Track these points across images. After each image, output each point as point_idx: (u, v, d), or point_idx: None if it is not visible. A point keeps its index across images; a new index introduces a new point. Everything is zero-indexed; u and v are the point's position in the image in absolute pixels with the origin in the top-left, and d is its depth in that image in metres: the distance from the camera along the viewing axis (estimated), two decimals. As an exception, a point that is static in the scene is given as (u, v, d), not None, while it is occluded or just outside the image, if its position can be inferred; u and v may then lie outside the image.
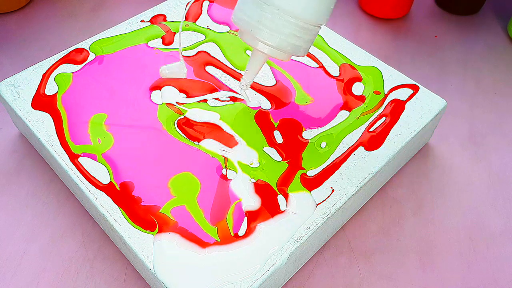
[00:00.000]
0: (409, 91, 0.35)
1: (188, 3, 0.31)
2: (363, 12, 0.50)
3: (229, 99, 0.34)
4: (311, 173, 0.30)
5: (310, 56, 0.38)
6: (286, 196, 0.29)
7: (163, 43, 0.38)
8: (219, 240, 0.27)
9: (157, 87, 0.35)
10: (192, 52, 0.37)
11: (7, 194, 0.34)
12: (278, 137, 0.32)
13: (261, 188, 0.29)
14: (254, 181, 0.30)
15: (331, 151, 0.32)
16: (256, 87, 0.35)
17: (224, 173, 0.30)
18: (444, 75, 0.44)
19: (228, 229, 0.28)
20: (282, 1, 0.25)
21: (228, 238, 0.27)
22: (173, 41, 0.38)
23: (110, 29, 0.39)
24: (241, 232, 0.28)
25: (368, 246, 0.32)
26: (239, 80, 0.36)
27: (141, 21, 0.39)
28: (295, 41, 0.27)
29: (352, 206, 0.31)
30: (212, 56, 0.37)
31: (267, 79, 0.36)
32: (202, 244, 0.27)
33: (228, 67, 0.36)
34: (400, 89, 0.35)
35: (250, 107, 0.33)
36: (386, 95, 0.35)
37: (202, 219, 0.28)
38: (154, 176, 0.30)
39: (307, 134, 0.32)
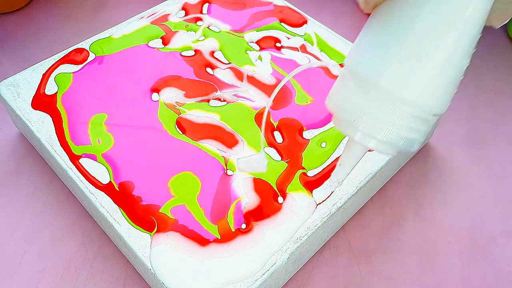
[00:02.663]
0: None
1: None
2: (363, 12, 0.50)
3: (232, 97, 0.34)
4: (311, 173, 0.30)
5: (310, 55, 0.38)
6: (286, 196, 0.29)
7: (163, 43, 0.38)
8: (219, 238, 0.27)
9: (156, 89, 0.35)
10: (191, 52, 0.37)
11: (7, 194, 0.34)
12: (278, 137, 0.32)
13: (261, 187, 0.29)
14: (254, 176, 0.30)
15: (331, 151, 0.32)
16: (257, 85, 0.35)
17: (225, 172, 0.30)
18: (444, 75, 0.44)
19: (229, 227, 0.28)
20: (394, 84, 0.19)
21: (228, 235, 0.27)
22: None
23: (110, 29, 0.39)
24: (242, 231, 0.28)
25: (368, 246, 0.32)
26: (239, 78, 0.36)
27: (139, 19, 0.39)
28: (409, 134, 0.20)
29: (352, 206, 0.31)
30: (213, 57, 0.37)
31: (267, 79, 0.36)
32: (202, 242, 0.27)
33: (225, 63, 0.36)
34: (400, 89, 0.35)
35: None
36: (386, 95, 0.35)
37: (203, 217, 0.28)
38: (155, 176, 0.30)
39: (307, 134, 0.32)
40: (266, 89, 0.35)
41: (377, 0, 0.19)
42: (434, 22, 0.18)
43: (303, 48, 0.38)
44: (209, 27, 0.39)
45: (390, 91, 0.19)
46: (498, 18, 0.20)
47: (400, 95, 0.19)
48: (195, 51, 0.37)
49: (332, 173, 0.23)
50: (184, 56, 0.37)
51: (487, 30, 0.52)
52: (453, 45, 0.18)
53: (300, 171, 0.30)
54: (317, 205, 0.29)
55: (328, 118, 0.33)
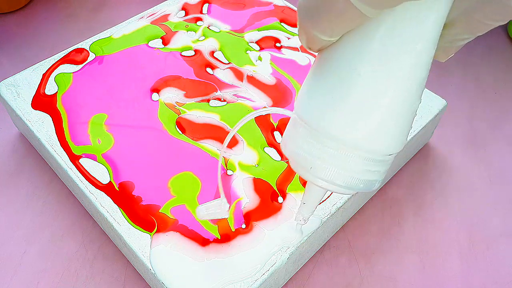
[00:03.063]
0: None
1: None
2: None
3: (232, 97, 0.34)
4: (311, 173, 0.30)
5: (310, 54, 0.38)
6: (286, 196, 0.29)
7: (163, 43, 0.38)
8: (219, 238, 0.27)
9: (156, 89, 0.35)
10: (191, 52, 0.37)
11: (7, 194, 0.34)
12: (278, 137, 0.32)
13: (261, 187, 0.29)
14: (254, 177, 0.30)
15: (331, 151, 0.31)
16: (257, 85, 0.35)
17: (225, 172, 0.30)
18: (444, 75, 0.44)
19: (229, 227, 0.28)
20: (346, 132, 0.18)
21: (228, 235, 0.27)
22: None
23: (110, 29, 0.39)
24: (242, 231, 0.28)
25: (368, 246, 0.32)
26: (239, 78, 0.36)
27: (139, 19, 0.39)
28: (369, 176, 0.20)
29: (352, 206, 0.31)
30: (213, 57, 0.37)
31: (267, 79, 0.36)
32: (202, 242, 0.27)
33: (224, 63, 0.36)
34: (400, 89, 0.35)
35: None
36: (386, 95, 0.35)
37: (202, 219, 0.28)
38: (155, 176, 0.30)
39: (307, 134, 0.32)
40: (266, 89, 0.35)
41: (321, 46, 0.18)
42: (381, 66, 0.17)
43: (303, 48, 0.38)
44: (209, 27, 0.39)
45: (341, 139, 0.19)
46: (443, 54, 0.20)
47: (352, 142, 0.19)
48: (195, 51, 0.37)
49: (297, 211, 0.24)
50: (184, 56, 0.37)
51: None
52: (402, 89, 0.18)
53: (300, 171, 0.30)
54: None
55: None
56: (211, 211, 0.25)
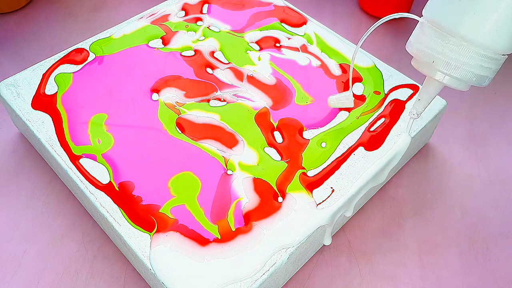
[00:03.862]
0: (409, 91, 0.35)
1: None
2: (363, 12, 0.50)
3: (232, 97, 0.34)
4: (311, 173, 0.30)
5: (310, 54, 0.38)
6: (286, 196, 0.29)
7: (163, 43, 0.38)
8: (219, 238, 0.27)
9: (156, 89, 0.35)
10: (191, 52, 0.37)
11: (7, 194, 0.34)
12: (278, 137, 0.32)
13: (261, 187, 0.29)
14: (254, 176, 0.30)
15: (331, 151, 0.32)
16: (257, 85, 0.35)
17: (225, 172, 0.30)
18: (444, 75, 0.44)
19: (229, 227, 0.28)
20: (469, 31, 0.23)
21: (228, 235, 0.27)
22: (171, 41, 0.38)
23: (110, 29, 0.39)
24: (242, 231, 0.28)
25: (368, 246, 0.32)
26: (238, 78, 0.36)
27: (139, 19, 0.39)
28: (481, 72, 0.24)
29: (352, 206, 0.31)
30: (213, 57, 0.37)
31: (267, 79, 0.36)
32: (202, 241, 0.27)
33: (224, 63, 0.36)
34: (400, 89, 0.35)
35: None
36: (386, 95, 0.35)
37: (203, 217, 0.28)
38: (155, 176, 0.30)
39: (307, 134, 0.32)
40: (266, 89, 0.35)
41: None
42: None
43: (303, 48, 0.38)
44: (209, 27, 0.39)
45: (465, 37, 0.23)
46: None
47: (474, 40, 0.23)
48: (195, 51, 0.37)
49: (412, 106, 0.28)
50: (184, 56, 0.37)
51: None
52: None
53: (300, 171, 0.30)
54: (317, 205, 0.29)
55: (328, 118, 0.33)
56: (341, 100, 0.31)
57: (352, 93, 0.31)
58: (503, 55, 0.24)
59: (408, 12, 0.50)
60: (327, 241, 0.31)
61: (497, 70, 0.25)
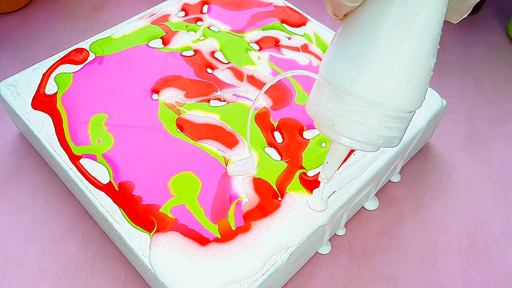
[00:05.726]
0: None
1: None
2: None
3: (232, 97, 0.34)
4: (311, 173, 0.30)
5: (311, 54, 0.38)
6: (286, 195, 0.29)
7: (163, 43, 0.38)
8: (219, 237, 0.27)
9: (156, 90, 0.35)
10: (191, 52, 0.37)
11: (7, 194, 0.34)
12: (278, 137, 0.32)
13: (261, 187, 0.29)
14: (254, 176, 0.30)
15: (331, 151, 0.32)
16: (257, 85, 0.35)
17: (225, 172, 0.30)
18: (444, 75, 0.44)
19: (229, 227, 0.28)
20: (367, 90, 0.20)
21: (229, 235, 0.27)
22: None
23: (110, 29, 0.39)
24: (242, 230, 0.28)
25: (368, 246, 0.32)
26: (238, 78, 0.36)
27: (139, 19, 0.39)
28: (388, 133, 0.22)
29: (353, 206, 0.31)
30: (213, 57, 0.37)
31: (267, 79, 0.36)
32: (202, 241, 0.27)
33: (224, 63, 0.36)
34: (400, 89, 0.35)
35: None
36: (386, 95, 0.35)
37: (203, 217, 0.28)
38: (155, 176, 0.30)
39: (307, 134, 0.32)
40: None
41: (345, 11, 0.20)
42: (398, 25, 0.19)
43: (304, 48, 0.38)
44: (209, 27, 0.39)
45: (364, 98, 0.20)
46: (455, 15, 0.21)
47: (373, 100, 0.20)
48: (195, 51, 0.37)
49: (321, 171, 0.26)
50: (184, 56, 0.37)
51: (487, 30, 0.52)
52: (416, 47, 0.20)
53: (300, 171, 0.30)
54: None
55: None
56: (241, 168, 0.28)
57: (253, 158, 0.27)
58: (408, 112, 0.21)
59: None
60: (325, 250, 0.32)
61: (406, 128, 0.22)
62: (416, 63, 0.20)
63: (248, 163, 0.29)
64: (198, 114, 0.33)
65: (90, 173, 0.30)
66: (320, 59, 0.37)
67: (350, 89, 0.21)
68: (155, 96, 0.34)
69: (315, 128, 0.33)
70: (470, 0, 0.20)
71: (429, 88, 0.35)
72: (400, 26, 0.19)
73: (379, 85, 0.20)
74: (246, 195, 0.29)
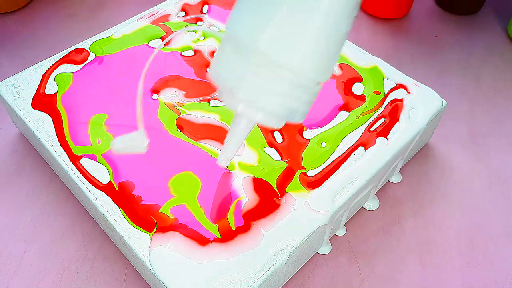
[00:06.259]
0: (409, 91, 0.35)
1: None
2: (363, 12, 0.50)
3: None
4: (311, 173, 0.30)
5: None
6: (286, 195, 0.29)
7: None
8: (219, 237, 0.27)
9: (156, 90, 0.35)
10: (191, 52, 0.37)
11: (7, 194, 0.34)
12: (278, 137, 0.32)
13: (261, 187, 0.29)
14: (254, 176, 0.30)
15: (331, 151, 0.32)
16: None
17: (226, 172, 0.30)
18: (444, 75, 0.44)
19: (229, 226, 0.28)
20: (274, 50, 0.18)
21: (229, 234, 0.27)
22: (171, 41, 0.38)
23: (110, 29, 0.39)
24: (242, 231, 0.28)
25: (368, 246, 0.32)
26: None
27: (138, 19, 0.39)
28: (290, 103, 0.19)
29: (353, 206, 0.31)
30: (213, 57, 0.37)
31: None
32: (202, 241, 0.27)
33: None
34: (400, 89, 0.35)
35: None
36: (386, 95, 0.35)
37: (203, 217, 0.28)
38: (155, 176, 0.30)
39: (307, 134, 0.32)
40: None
41: None
42: None
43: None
44: (209, 28, 0.39)
45: (268, 55, 0.18)
46: None
47: (278, 59, 0.18)
48: (195, 51, 0.37)
49: (221, 151, 0.23)
50: (184, 56, 0.37)
51: (487, 30, 0.52)
52: (327, 7, 0.18)
53: (300, 171, 0.30)
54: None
55: (328, 118, 0.33)
56: (128, 144, 0.24)
57: (142, 133, 0.23)
58: (315, 83, 0.19)
59: (408, 13, 0.51)
60: (325, 250, 0.31)
61: (311, 103, 0.20)
62: (327, 24, 0.18)
63: (135, 138, 0.24)
64: (198, 114, 0.33)
65: (90, 173, 0.30)
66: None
67: (253, 44, 0.18)
68: (155, 96, 0.34)
69: (315, 128, 0.33)
70: None
71: (429, 88, 0.36)
72: None
73: (284, 43, 0.18)
74: (246, 195, 0.29)
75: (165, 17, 0.40)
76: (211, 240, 0.27)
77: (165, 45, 0.35)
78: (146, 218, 0.28)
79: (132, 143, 0.24)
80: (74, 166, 0.30)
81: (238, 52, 0.19)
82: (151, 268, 0.26)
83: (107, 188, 0.29)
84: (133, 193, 0.29)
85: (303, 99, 0.20)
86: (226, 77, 0.19)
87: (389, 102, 0.35)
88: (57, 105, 0.33)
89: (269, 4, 0.18)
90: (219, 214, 0.28)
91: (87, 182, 0.30)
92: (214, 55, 0.21)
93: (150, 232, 0.27)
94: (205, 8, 0.41)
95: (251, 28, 0.18)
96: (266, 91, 0.19)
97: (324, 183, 0.30)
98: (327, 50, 0.19)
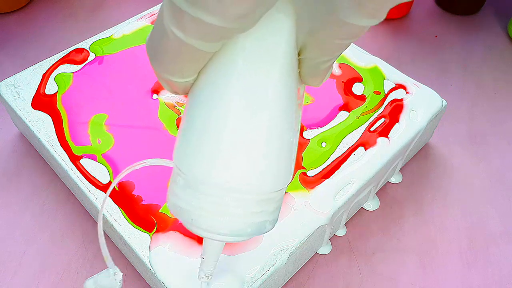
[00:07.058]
0: (409, 91, 0.35)
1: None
2: (363, 12, 0.50)
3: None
4: (311, 173, 0.30)
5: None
6: (286, 195, 0.29)
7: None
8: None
9: (156, 90, 0.35)
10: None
11: (7, 194, 0.34)
12: (278, 137, 0.32)
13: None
14: None
15: (331, 151, 0.32)
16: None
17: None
18: (444, 75, 0.44)
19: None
20: (222, 177, 0.17)
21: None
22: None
23: (110, 29, 0.39)
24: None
25: (368, 246, 0.32)
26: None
27: (138, 19, 0.39)
28: (256, 219, 0.19)
29: (352, 206, 0.31)
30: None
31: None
32: (202, 239, 0.27)
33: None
34: (400, 89, 0.35)
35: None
36: (386, 95, 0.35)
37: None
38: (155, 176, 0.30)
39: (307, 134, 0.32)
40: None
41: (182, 88, 0.18)
42: (240, 102, 0.17)
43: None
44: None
45: (218, 185, 0.17)
46: (313, 79, 0.18)
47: (229, 185, 0.17)
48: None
49: (199, 268, 0.22)
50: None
51: (487, 30, 0.52)
52: (266, 126, 0.17)
53: (300, 170, 0.30)
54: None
55: (328, 118, 0.33)
56: (102, 284, 0.22)
57: (114, 270, 0.22)
58: (274, 192, 0.19)
59: (408, 13, 0.51)
60: (325, 250, 0.31)
61: (279, 207, 0.19)
62: (270, 141, 0.17)
63: (107, 275, 0.22)
64: (198, 114, 0.33)
65: (90, 173, 0.30)
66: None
67: (202, 177, 0.17)
68: (155, 96, 0.34)
69: (315, 128, 0.33)
70: (322, 64, 0.17)
71: (429, 88, 0.36)
72: (242, 101, 0.17)
73: (231, 168, 0.17)
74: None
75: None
76: (211, 240, 0.27)
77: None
78: (146, 218, 0.28)
79: (105, 282, 0.22)
80: (74, 166, 0.30)
81: (189, 184, 0.18)
82: (151, 268, 0.26)
83: (107, 188, 0.29)
84: (133, 193, 0.29)
85: (268, 211, 0.19)
86: (183, 210, 0.18)
87: (389, 102, 0.35)
88: (57, 105, 0.33)
89: (203, 134, 0.17)
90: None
91: (87, 182, 0.30)
92: (169, 182, 0.20)
93: (150, 232, 0.27)
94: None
95: (197, 160, 0.18)
96: (225, 216, 0.18)
97: (324, 183, 0.30)
98: (278, 162, 0.18)
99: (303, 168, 0.31)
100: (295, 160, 0.19)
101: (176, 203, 0.19)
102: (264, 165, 0.18)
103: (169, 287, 0.25)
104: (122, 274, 0.22)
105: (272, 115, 0.17)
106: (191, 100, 0.18)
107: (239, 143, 0.17)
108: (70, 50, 0.37)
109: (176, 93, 0.18)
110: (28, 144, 0.37)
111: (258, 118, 0.17)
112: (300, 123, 0.19)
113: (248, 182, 0.17)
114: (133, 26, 0.39)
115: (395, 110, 0.34)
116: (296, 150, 0.19)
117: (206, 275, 0.22)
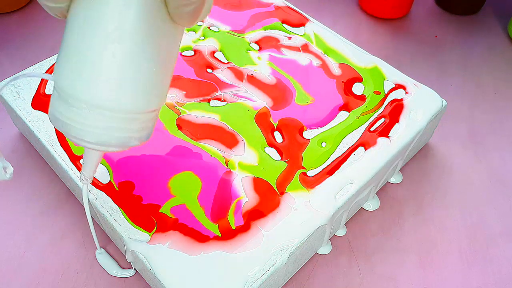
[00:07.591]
0: (409, 91, 0.35)
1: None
2: (363, 12, 0.50)
3: (232, 96, 0.34)
4: (311, 173, 0.30)
5: (311, 54, 0.38)
6: (285, 195, 0.29)
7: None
8: (220, 235, 0.27)
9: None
10: (191, 52, 0.37)
11: (7, 194, 0.34)
12: (278, 137, 0.32)
13: (261, 187, 0.29)
14: (254, 176, 0.30)
15: (331, 151, 0.32)
16: (257, 85, 0.35)
17: (226, 172, 0.30)
18: (444, 75, 0.44)
19: (229, 226, 0.28)
20: (86, 93, 0.20)
21: (229, 234, 0.27)
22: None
23: (110, 29, 0.39)
24: (242, 230, 0.28)
25: (368, 246, 0.32)
26: (239, 78, 0.36)
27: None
28: (120, 133, 0.21)
29: (352, 206, 0.31)
30: (214, 57, 0.37)
31: (267, 79, 0.36)
32: (202, 239, 0.27)
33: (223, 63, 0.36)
34: (400, 89, 0.35)
35: None
36: (386, 95, 0.35)
37: (203, 217, 0.28)
38: (155, 176, 0.30)
39: (307, 134, 0.32)
40: (266, 89, 0.35)
41: (56, 11, 0.20)
42: (99, 36, 0.19)
43: (304, 48, 0.38)
44: (210, 28, 0.39)
45: (83, 100, 0.20)
46: (180, 20, 0.20)
47: (92, 102, 0.20)
48: (195, 51, 0.37)
49: (81, 172, 0.25)
50: (184, 56, 0.37)
51: (487, 30, 0.52)
52: (121, 53, 0.19)
53: (300, 170, 0.30)
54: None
55: (328, 118, 0.33)
56: None
57: (3, 160, 0.24)
58: (140, 113, 0.21)
59: (408, 13, 0.51)
60: (325, 250, 0.32)
61: (150, 127, 0.22)
62: (125, 67, 0.19)
63: None
64: (198, 114, 0.33)
65: (90, 173, 0.30)
66: (320, 58, 0.37)
67: (70, 91, 0.20)
68: (155, 96, 0.34)
69: (315, 128, 0.33)
70: (184, 7, 0.19)
71: (429, 88, 0.36)
72: (101, 31, 0.19)
73: (92, 87, 0.20)
74: (246, 195, 0.29)
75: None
76: (211, 237, 0.27)
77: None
78: (146, 218, 0.28)
79: None
80: (74, 166, 0.30)
81: (61, 96, 0.20)
82: (151, 268, 0.26)
83: (107, 188, 0.29)
84: (133, 193, 0.29)
85: (132, 128, 0.21)
86: (57, 118, 0.21)
87: (389, 102, 0.35)
88: (57, 105, 0.33)
89: (69, 49, 0.20)
90: (219, 213, 0.28)
91: (87, 182, 0.29)
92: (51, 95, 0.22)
93: (150, 232, 0.27)
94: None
95: (64, 75, 0.20)
96: (90, 128, 0.21)
97: (324, 183, 0.30)
98: (141, 85, 0.20)
99: (303, 168, 0.31)
100: (163, 88, 0.21)
101: (53, 112, 0.21)
102: (121, 88, 0.20)
103: (169, 287, 0.25)
104: (12, 168, 0.24)
105: (128, 44, 0.19)
106: (67, 21, 0.20)
107: (98, 65, 0.19)
108: (70, 50, 0.37)
109: (57, 16, 0.20)
110: (28, 144, 0.37)
111: (116, 44, 0.19)
112: (177, 55, 0.21)
113: (106, 100, 0.20)
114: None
115: (395, 110, 0.34)
116: (165, 80, 0.21)
117: (86, 178, 0.25)
